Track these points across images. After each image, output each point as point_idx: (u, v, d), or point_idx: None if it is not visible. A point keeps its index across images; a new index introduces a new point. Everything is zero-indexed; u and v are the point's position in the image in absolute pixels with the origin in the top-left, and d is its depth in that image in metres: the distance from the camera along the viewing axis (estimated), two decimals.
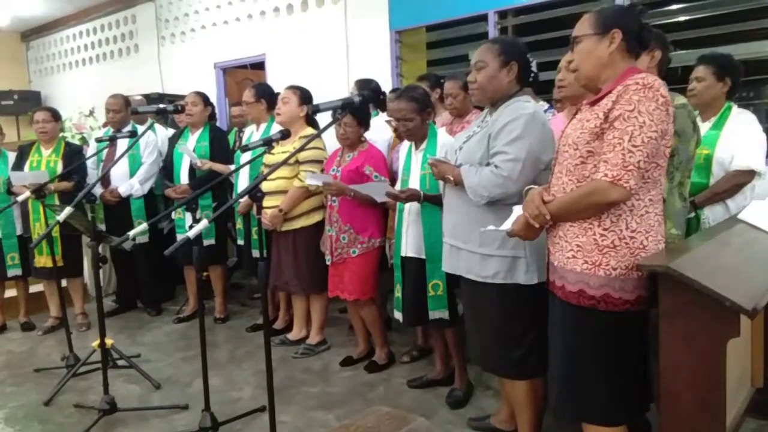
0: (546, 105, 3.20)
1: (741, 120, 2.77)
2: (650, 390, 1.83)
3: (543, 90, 3.52)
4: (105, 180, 4.30)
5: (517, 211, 1.94)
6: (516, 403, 2.34)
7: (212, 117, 4.32)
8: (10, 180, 4.05)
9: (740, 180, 2.68)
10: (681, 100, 2.17)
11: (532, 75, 2.31)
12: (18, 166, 4.15)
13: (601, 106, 1.72)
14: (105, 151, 4.26)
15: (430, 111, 2.89)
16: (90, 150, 4.42)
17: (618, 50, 1.75)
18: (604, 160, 1.67)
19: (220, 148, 4.20)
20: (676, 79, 3.95)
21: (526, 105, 2.18)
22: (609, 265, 1.71)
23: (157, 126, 4.63)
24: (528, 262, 2.15)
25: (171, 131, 4.71)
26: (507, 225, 1.91)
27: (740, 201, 2.68)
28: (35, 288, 4.49)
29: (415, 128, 2.84)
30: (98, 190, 4.30)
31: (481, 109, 2.84)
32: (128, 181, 4.31)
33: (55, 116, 4.22)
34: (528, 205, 1.84)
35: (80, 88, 8.19)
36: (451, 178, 2.28)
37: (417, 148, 2.89)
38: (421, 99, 2.84)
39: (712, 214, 2.68)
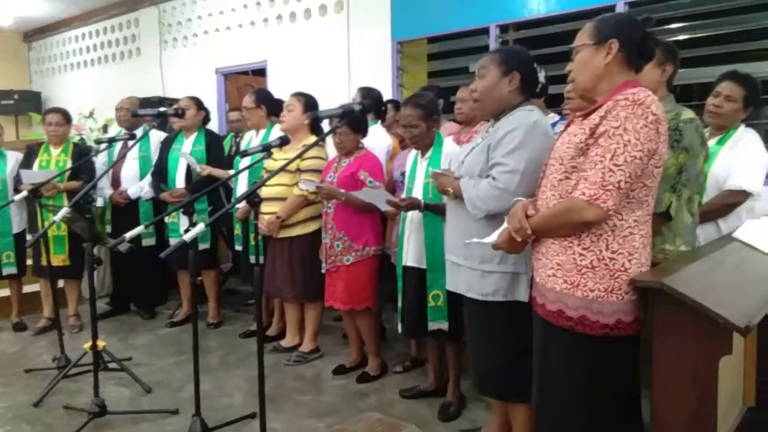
0: (556, 117, 3.19)
1: (744, 138, 2.71)
2: (640, 419, 1.77)
3: (554, 103, 3.53)
4: (115, 181, 4.32)
5: (506, 221, 1.92)
6: (515, 424, 2.27)
7: (205, 121, 4.33)
8: (20, 178, 4.04)
9: (732, 200, 2.61)
10: (689, 114, 2.12)
11: (540, 86, 2.25)
12: (27, 164, 4.16)
13: (590, 120, 1.66)
14: (116, 153, 4.28)
15: (437, 118, 2.89)
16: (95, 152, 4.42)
17: (615, 62, 1.69)
18: (584, 178, 1.63)
19: (216, 152, 4.22)
20: (692, 95, 3.98)
21: (529, 114, 2.12)
22: (587, 287, 1.65)
23: (153, 130, 4.63)
24: (529, 278, 2.06)
25: (164, 135, 4.70)
26: (493, 237, 1.87)
27: (733, 222, 2.59)
28: (28, 288, 4.47)
29: (420, 135, 2.83)
30: (108, 192, 4.31)
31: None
32: (138, 183, 4.32)
33: (67, 118, 4.26)
34: (511, 218, 1.79)
35: (81, 89, 8.20)
36: (451, 191, 2.24)
37: (423, 156, 2.88)
38: (428, 106, 2.84)
39: (703, 234, 2.59)
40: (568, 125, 1.85)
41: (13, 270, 4.23)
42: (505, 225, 1.87)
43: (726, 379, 1.96)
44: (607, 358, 1.68)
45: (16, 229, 4.20)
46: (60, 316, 3.70)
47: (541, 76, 2.25)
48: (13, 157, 4.27)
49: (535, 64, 2.22)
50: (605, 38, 1.70)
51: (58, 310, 3.62)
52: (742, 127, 2.77)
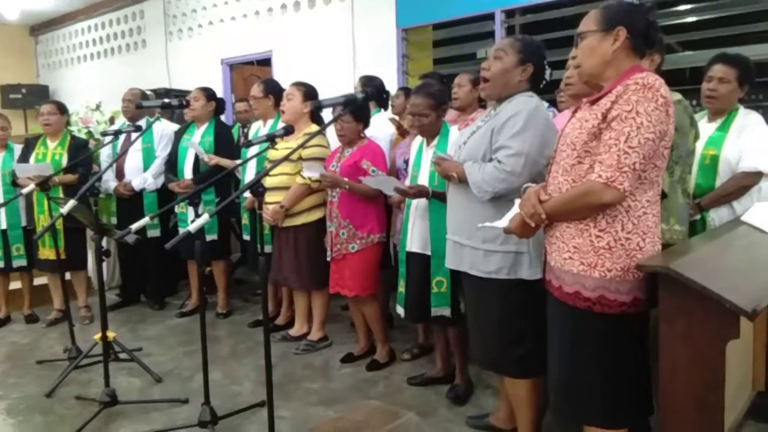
0: (546, 104, 3.17)
1: (749, 121, 2.72)
2: (650, 393, 1.81)
3: (545, 90, 3.50)
4: (119, 173, 4.33)
5: (516, 207, 1.93)
6: (516, 401, 2.32)
7: (218, 112, 4.33)
8: (15, 172, 4.08)
9: (747, 182, 2.64)
10: (676, 96, 2.16)
11: (544, 82, 2.30)
12: (24, 158, 4.18)
13: (600, 105, 1.70)
14: (119, 145, 4.29)
15: (446, 108, 2.88)
16: (104, 142, 4.44)
17: (622, 48, 1.73)
18: (599, 161, 1.66)
19: (225, 143, 4.22)
20: (685, 80, 3.94)
21: (530, 99, 2.18)
22: (604, 267, 1.69)
23: (164, 120, 4.64)
24: (531, 257, 2.13)
25: (176, 126, 4.72)
26: (505, 221, 1.90)
27: (746, 203, 2.63)
28: (40, 280, 4.52)
29: (429, 124, 2.83)
30: (112, 184, 4.33)
31: (485, 107, 2.83)
32: (142, 175, 4.33)
33: (61, 109, 4.24)
34: (524, 203, 1.83)
35: (88, 82, 8.23)
36: (455, 176, 2.27)
37: (428, 144, 2.88)
38: (438, 95, 2.83)
39: (717, 216, 2.64)
40: (575, 111, 1.87)
41: (24, 262, 4.26)
42: (515, 210, 1.90)
43: (734, 363, 1.95)
44: (623, 333, 1.73)
45: (25, 222, 4.24)
46: (71, 308, 3.73)
47: (548, 74, 2.29)
48: (19, 150, 4.28)
49: (546, 61, 2.27)
50: (612, 25, 1.72)
51: (68, 302, 3.66)
52: (742, 110, 2.78)
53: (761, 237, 2.07)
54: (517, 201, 1.96)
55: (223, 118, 4.87)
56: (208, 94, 4.23)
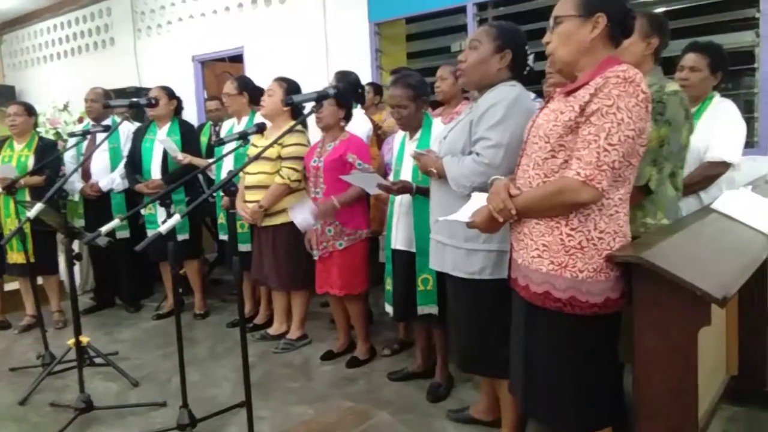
0: (533, 94, 3.16)
1: (720, 109, 2.72)
2: (622, 396, 1.78)
3: (532, 80, 3.49)
4: (85, 174, 4.24)
5: (477, 198, 1.85)
6: (503, 400, 2.29)
7: (178, 111, 4.27)
8: None
9: (713, 171, 2.62)
10: (673, 86, 2.08)
11: (527, 68, 2.21)
12: None
13: (578, 97, 1.62)
14: (84, 146, 4.20)
15: (426, 99, 2.82)
16: (68, 145, 4.34)
17: (600, 37, 1.65)
18: (577, 158, 1.59)
19: (192, 141, 4.18)
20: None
21: (511, 89, 2.09)
22: (576, 267, 1.64)
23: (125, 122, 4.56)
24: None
25: (136, 125, 4.63)
26: (465, 214, 1.83)
27: (714, 193, 2.60)
28: (11, 286, 4.41)
29: (408, 116, 2.78)
30: (79, 185, 4.23)
31: (469, 99, 2.82)
32: (109, 176, 4.25)
33: (28, 110, 4.14)
34: (493, 197, 1.74)
35: (55, 82, 8.05)
36: (434, 171, 2.22)
37: (411, 137, 2.83)
38: (417, 86, 2.78)
39: (685, 206, 2.60)
40: (547, 102, 1.82)
41: None
42: (476, 203, 1.83)
43: (708, 349, 1.99)
44: (593, 334, 1.68)
45: None
46: (44, 313, 3.65)
47: (530, 59, 2.20)
48: None
49: (527, 46, 2.18)
50: (592, 11, 1.64)
51: (39, 307, 3.58)
52: (717, 97, 2.78)
53: (731, 225, 2.10)
54: (475, 194, 1.89)
55: (194, 115, 4.80)
56: (169, 92, 4.18)
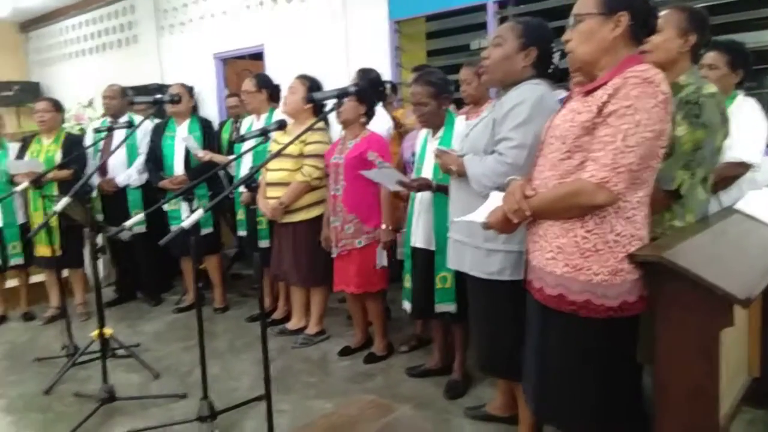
0: (563, 93, 3.13)
1: (742, 109, 2.65)
2: (642, 400, 1.75)
3: (562, 77, 3.45)
4: (102, 170, 4.30)
5: (494, 198, 1.83)
6: (520, 399, 2.26)
7: (195, 109, 4.33)
8: (8, 169, 4.06)
9: (732, 172, 2.56)
10: (711, 88, 1.98)
11: (552, 66, 2.16)
12: (21, 156, 4.17)
13: (596, 97, 1.58)
14: (102, 142, 4.27)
15: (447, 96, 2.81)
16: (87, 141, 4.42)
17: (622, 35, 1.61)
18: (593, 159, 1.56)
19: (213, 138, 4.24)
20: None
21: (535, 87, 2.05)
22: (591, 270, 1.60)
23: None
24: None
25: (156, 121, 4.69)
26: (482, 214, 1.81)
27: (734, 194, 2.54)
28: (36, 278, 4.51)
29: (429, 113, 2.77)
30: (96, 180, 4.30)
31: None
32: (126, 171, 4.31)
33: (56, 106, 4.23)
34: (508, 198, 1.72)
35: (79, 79, 8.16)
36: (455, 169, 2.21)
37: (434, 135, 2.83)
38: (438, 83, 2.77)
39: (718, 202, 2.54)
40: (566, 102, 1.79)
41: (20, 260, 4.26)
42: (493, 203, 1.82)
43: (730, 351, 1.97)
44: (610, 338, 1.65)
45: (21, 220, 4.22)
46: (69, 305, 3.73)
47: (556, 57, 2.14)
48: (15, 149, 4.27)
49: (553, 43, 2.12)
50: (614, 9, 1.60)
51: (65, 300, 3.65)
52: (740, 96, 2.73)
53: (754, 225, 2.07)
54: (494, 194, 1.87)
55: (215, 112, 4.83)
56: (189, 90, 4.24)
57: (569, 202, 1.61)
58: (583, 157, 1.61)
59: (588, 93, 1.65)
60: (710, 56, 2.70)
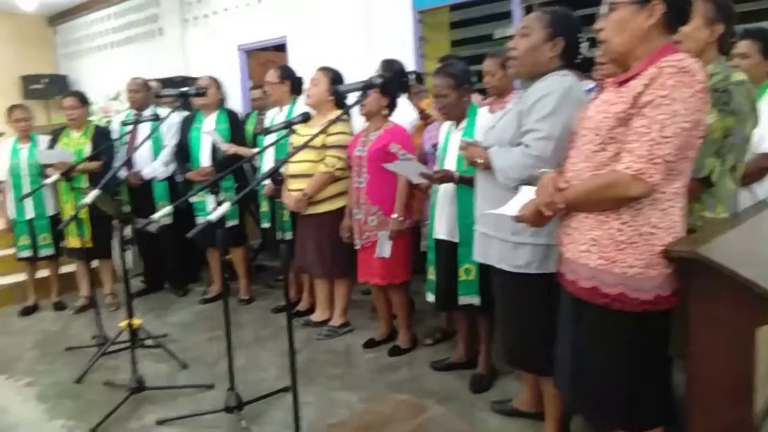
0: (591, 83, 3.08)
1: None
2: (672, 395, 1.73)
3: (582, 69, 3.40)
4: (129, 163, 4.36)
5: (526, 191, 1.82)
6: (547, 395, 2.26)
7: (222, 101, 4.36)
8: (38, 159, 4.14)
9: (765, 163, 2.50)
10: (740, 76, 1.97)
11: (580, 57, 2.13)
12: (51, 149, 4.24)
13: (630, 88, 1.55)
14: (127, 135, 4.33)
15: (468, 87, 2.79)
16: (113, 134, 4.48)
17: (656, 24, 1.57)
18: (628, 150, 1.53)
19: (240, 130, 4.26)
20: None
21: (563, 79, 2.02)
22: (626, 263, 1.59)
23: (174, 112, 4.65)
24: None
25: (183, 114, 4.72)
26: (513, 208, 1.80)
27: None
28: (66, 268, 4.60)
29: (450, 105, 2.76)
30: (122, 173, 4.36)
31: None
32: (152, 164, 4.36)
33: (83, 101, 4.29)
34: (541, 191, 1.71)
35: (106, 71, 8.27)
36: (481, 161, 2.18)
37: (456, 127, 2.82)
38: (458, 75, 2.75)
39: (750, 195, 2.49)
40: (599, 92, 1.76)
41: (51, 251, 4.35)
42: (525, 196, 1.81)
43: (764, 348, 1.92)
44: (643, 332, 1.64)
45: (50, 212, 4.31)
46: (97, 295, 3.80)
47: (584, 47, 2.12)
48: (45, 141, 4.35)
49: (581, 33, 2.09)
50: None
51: (94, 290, 3.72)
52: None
53: None
54: (524, 187, 1.86)
55: (239, 104, 4.84)
56: (217, 82, 4.26)
57: (604, 194, 1.59)
58: (618, 149, 1.58)
59: (622, 83, 1.62)
60: (743, 45, 2.64)
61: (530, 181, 1.94)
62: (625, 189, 1.54)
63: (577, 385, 1.77)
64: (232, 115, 4.28)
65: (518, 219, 1.79)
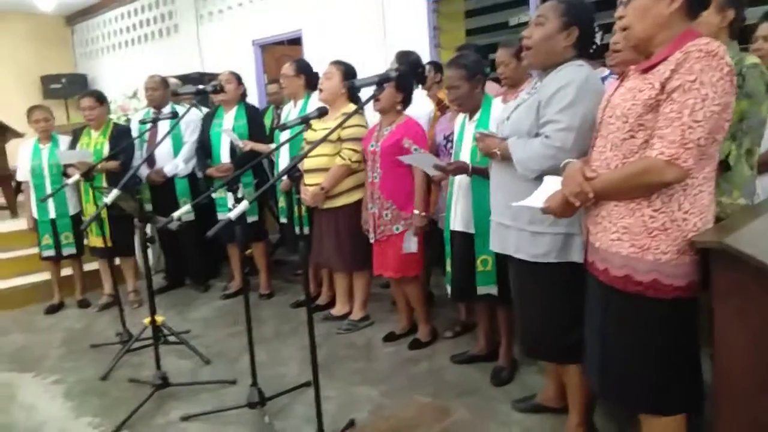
0: (606, 71, 3.03)
1: None
2: (701, 381, 1.73)
3: (599, 54, 3.35)
4: (150, 160, 4.39)
5: (550, 182, 1.82)
6: (569, 385, 2.26)
7: (243, 96, 4.35)
8: (59, 159, 4.19)
9: None
10: (752, 59, 2.00)
11: (594, 46, 2.13)
12: (72, 149, 4.29)
13: (656, 74, 1.56)
14: (147, 133, 4.36)
15: (480, 78, 2.77)
16: (132, 132, 4.51)
17: (678, 10, 1.57)
18: (659, 136, 1.53)
19: (258, 126, 4.24)
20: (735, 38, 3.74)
21: (579, 69, 2.02)
22: (659, 250, 1.60)
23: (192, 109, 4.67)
24: (583, 239, 2.00)
25: (204, 110, 4.75)
26: (538, 199, 1.80)
27: None
28: (90, 266, 4.67)
29: (462, 96, 2.74)
30: (144, 171, 4.39)
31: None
32: (173, 161, 4.39)
33: (100, 100, 4.30)
34: (568, 181, 1.71)
35: (124, 69, 8.35)
36: (498, 152, 2.17)
37: (471, 118, 2.80)
38: (470, 66, 2.73)
39: (761, 185, 2.43)
40: (622, 80, 1.75)
41: (73, 250, 4.41)
42: (550, 187, 1.80)
43: None
44: (675, 318, 1.65)
45: (72, 211, 4.36)
46: (120, 293, 3.85)
47: (598, 36, 2.14)
48: (66, 141, 4.39)
49: (595, 22, 2.10)
50: None
51: (117, 287, 3.76)
52: None
53: None
54: (548, 178, 1.86)
55: (254, 99, 4.84)
56: (237, 77, 4.25)
57: (637, 181, 1.59)
58: (647, 136, 1.58)
59: (646, 70, 1.62)
60: (764, 28, 2.60)
61: (550, 172, 1.94)
62: (660, 175, 1.54)
63: (606, 371, 1.78)
64: (251, 110, 4.28)
65: (546, 210, 1.79)
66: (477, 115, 2.77)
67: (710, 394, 1.67)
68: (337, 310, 3.85)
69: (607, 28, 2.81)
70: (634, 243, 1.63)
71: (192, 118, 4.44)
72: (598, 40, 2.18)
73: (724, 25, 2.04)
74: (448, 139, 3.16)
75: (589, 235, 1.81)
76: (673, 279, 1.60)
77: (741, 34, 2.18)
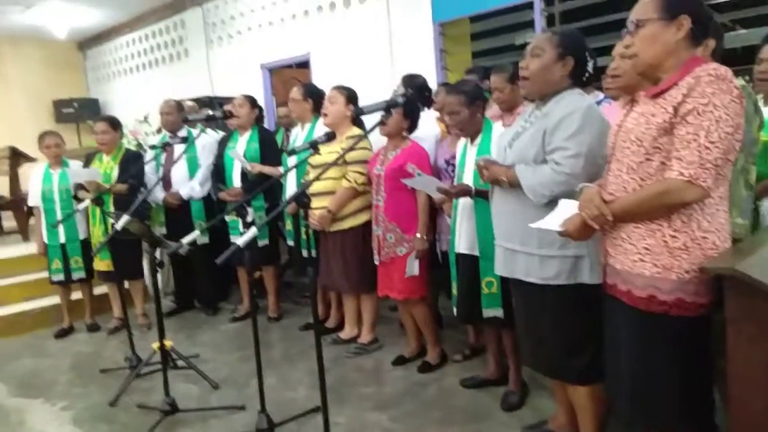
0: (601, 95, 3.06)
1: None
2: (712, 391, 1.74)
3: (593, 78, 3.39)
4: (166, 183, 4.44)
5: (565, 206, 1.85)
6: (579, 408, 2.25)
7: (260, 119, 4.39)
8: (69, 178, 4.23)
9: None
10: (740, 81, 2.04)
11: (587, 75, 2.20)
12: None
13: (669, 99, 1.62)
14: (163, 157, 4.40)
15: (480, 104, 2.82)
16: (147, 157, 4.56)
17: (684, 38, 1.65)
18: (677, 158, 1.58)
19: (270, 149, 4.26)
20: (737, 59, 3.76)
21: (581, 98, 2.12)
22: (681, 269, 1.63)
23: (208, 130, 4.72)
24: (592, 261, 2.04)
25: (221, 134, 4.81)
26: (554, 222, 1.82)
27: None
28: (100, 290, 4.68)
29: (463, 121, 2.79)
30: (160, 195, 4.43)
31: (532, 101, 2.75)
32: (188, 184, 4.42)
33: (114, 125, 4.35)
34: (587, 205, 1.74)
35: (134, 94, 8.47)
36: (505, 179, 2.20)
37: (472, 142, 2.84)
38: (469, 92, 2.79)
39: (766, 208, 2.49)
40: (632, 105, 1.80)
41: (82, 274, 4.42)
42: (566, 211, 1.82)
43: None
44: (698, 334, 1.67)
45: (82, 235, 4.39)
46: (130, 315, 3.85)
47: (590, 65, 2.19)
48: (77, 166, 4.43)
49: (588, 52, 2.18)
50: (675, 13, 1.64)
51: (126, 311, 3.76)
52: None
53: None
54: (563, 201, 1.89)
55: (264, 122, 4.86)
56: (252, 101, 4.28)
57: (658, 202, 1.63)
58: (663, 158, 1.63)
59: (657, 95, 1.67)
60: (767, 50, 2.59)
61: (560, 197, 1.98)
62: (680, 195, 1.58)
63: (636, 394, 1.77)
64: (263, 134, 4.31)
65: (563, 233, 1.81)
66: (478, 140, 2.81)
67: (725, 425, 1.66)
68: (346, 333, 3.83)
69: (599, 53, 2.85)
70: (656, 263, 1.66)
71: (208, 141, 4.49)
72: (590, 69, 2.22)
73: (707, 54, 2.06)
74: (449, 162, 3.20)
75: (608, 257, 1.83)
76: (697, 297, 1.63)
77: (743, 56, 2.21)
